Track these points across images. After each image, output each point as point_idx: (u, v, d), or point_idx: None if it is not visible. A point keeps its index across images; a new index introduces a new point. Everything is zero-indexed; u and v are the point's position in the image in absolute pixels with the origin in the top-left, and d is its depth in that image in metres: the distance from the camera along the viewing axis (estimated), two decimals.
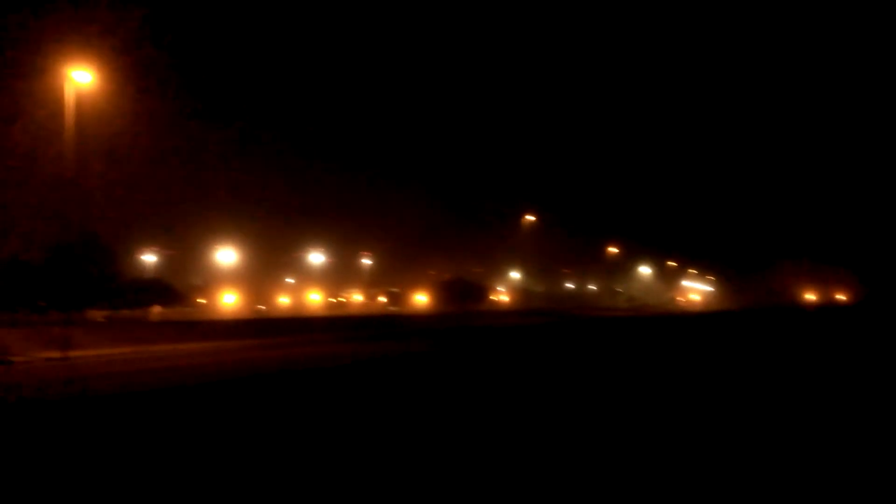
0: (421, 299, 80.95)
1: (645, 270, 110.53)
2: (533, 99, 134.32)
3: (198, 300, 70.00)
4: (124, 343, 32.72)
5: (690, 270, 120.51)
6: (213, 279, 74.17)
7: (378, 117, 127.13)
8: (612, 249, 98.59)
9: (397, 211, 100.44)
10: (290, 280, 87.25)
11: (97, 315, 45.17)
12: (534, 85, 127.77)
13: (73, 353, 26.03)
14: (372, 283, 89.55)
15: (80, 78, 28.31)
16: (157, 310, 56.54)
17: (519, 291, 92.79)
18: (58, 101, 28.22)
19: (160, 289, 55.43)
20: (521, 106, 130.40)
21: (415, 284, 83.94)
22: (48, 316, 38.66)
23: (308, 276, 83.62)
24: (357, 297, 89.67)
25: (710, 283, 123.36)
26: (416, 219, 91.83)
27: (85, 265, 38.06)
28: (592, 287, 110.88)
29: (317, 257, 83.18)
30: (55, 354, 25.85)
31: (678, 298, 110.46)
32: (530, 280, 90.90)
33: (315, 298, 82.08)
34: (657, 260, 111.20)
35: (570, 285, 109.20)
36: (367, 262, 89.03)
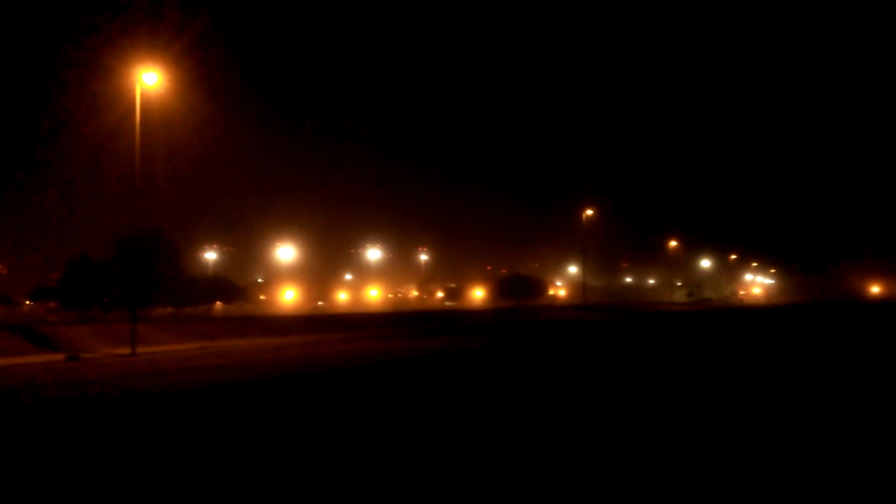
0: (478, 294, 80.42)
1: (706, 264, 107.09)
2: (593, 93, 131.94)
3: (258, 296, 71.36)
4: (189, 339, 33.30)
5: (753, 264, 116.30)
6: (273, 276, 75.58)
7: (436, 114, 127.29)
8: (673, 243, 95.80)
9: (455, 207, 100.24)
10: (348, 276, 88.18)
11: (162, 312, 46.31)
12: (594, 80, 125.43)
13: (140, 350, 26.51)
14: (429, 278, 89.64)
15: (147, 79, 28.75)
16: (219, 306, 57.79)
17: (577, 286, 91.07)
18: (127, 102, 28.72)
19: (222, 285, 56.61)
20: (582, 100, 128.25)
21: (472, 280, 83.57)
22: (115, 313, 39.83)
23: (366, 273, 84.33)
24: (414, 293, 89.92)
25: (772, 276, 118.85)
26: (474, 214, 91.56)
27: (150, 263, 38.93)
28: (652, 281, 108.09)
29: (375, 253, 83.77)
30: (124, 351, 26.37)
31: (740, 292, 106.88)
32: (589, 274, 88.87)
33: (373, 294, 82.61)
34: (718, 253, 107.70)
35: (629, 279, 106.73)
36: (424, 257, 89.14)
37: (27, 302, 56.60)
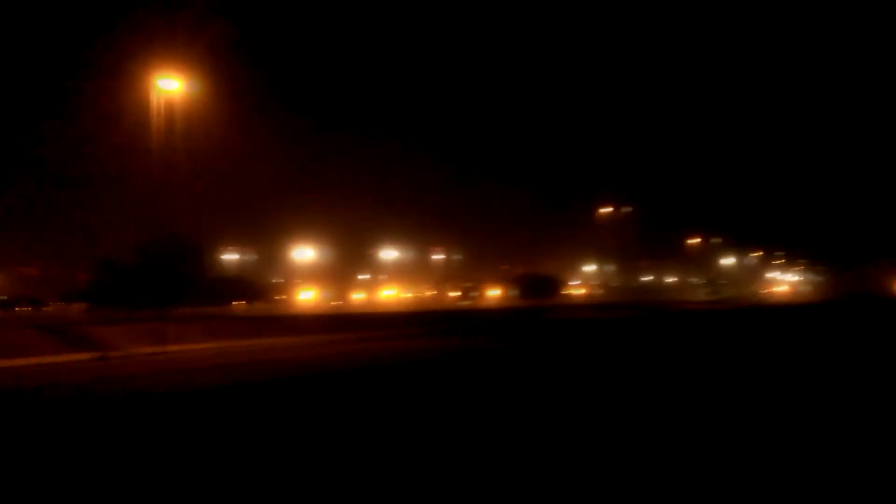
0: (494, 294, 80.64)
1: (728, 261, 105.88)
2: (608, 88, 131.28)
3: (277, 296, 72.33)
4: (212, 338, 34.11)
5: (776, 261, 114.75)
6: (291, 276, 76.54)
7: (453, 113, 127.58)
8: (693, 240, 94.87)
9: (471, 206, 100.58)
10: (364, 276, 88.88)
11: (186, 311, 47.33)
12: (608, 74, 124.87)
13: (167, 348, 27.36)
14: (445, 278, 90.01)
15: (167, 85, 29.58)
16: (239, 306, 58.76)
17: (594, 285, 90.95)
18: (148, 107, 29.60)
19: (242, 286, 57.63)
20: (596, 96, 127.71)
21: (488, 279, 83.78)
22: (141, 312, 40.87)
23: (382, 272, 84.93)
24: (430, 293, 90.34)
25: (798, 273, 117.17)
26: (490, 214, 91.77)
27: (173, 264, 39.92)
28: (673, 279, 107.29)
29: (390, 253, 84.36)
30: (151, 349, 27.24)
31: (763, 290, 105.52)
32: (606, 273, 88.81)
33: (389, 294, 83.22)
34: (741, 250, 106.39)
35: (647, 278, 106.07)
36: (439, 257, 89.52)
37: (57, 303, 58.07)
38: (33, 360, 24.38)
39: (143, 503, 5.80)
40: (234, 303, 57.00)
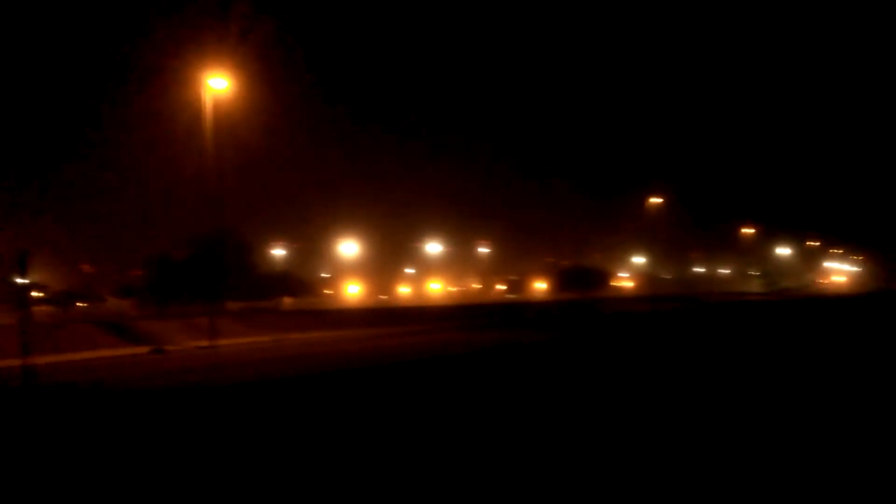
0: (540, 286, 79.93)
1: (783, 251, 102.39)
2: (655, 79, 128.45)
3: (324, 291, 73.24)
4: (261, 332, 34.69)
5: (834, 250, 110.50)
6: (337, 271, 77.39)
7: (497, 107, 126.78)
8: (747, 230, 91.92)
9: (516, 198, 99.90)
10: (410, 270, 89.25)
11: (235, 306, 48.31)
12: (655, 60, 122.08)
13: (219, 342, 27.89)
14: (491, 271, 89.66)
15: (216, 84, 29.95)
16: (287, 300, 59.67)
17: (644, 277, 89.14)
18: (198, 106, 29.99)
19: (290, 281, 58.51)
20: (644, 86, 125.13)
21: (534, 272, 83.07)
22: (193, 307, 41.87)
23: (428, 266, 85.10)
24: (476, 286, 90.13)
25: (856, 263, 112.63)
26: (536, 206, 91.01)
27: (222, 260, 40.73)
28: (724, 271, 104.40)
29: (435, 247, 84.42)
30: (204, 343, 27.80)
31: (820, 280, 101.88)
32: (656, 265, 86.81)
33: (435, 287, 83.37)
34: (797, 240, 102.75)
35: (699, 269, 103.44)
36: (484, 250, 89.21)
37: (111, 299, 60.10)
38: (94, 354, 25.13)
39: (202, 489, 5.81)
40: (282, 297, 57.90)
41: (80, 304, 54.68)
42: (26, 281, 16.46)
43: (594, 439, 7.21)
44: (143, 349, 26.80)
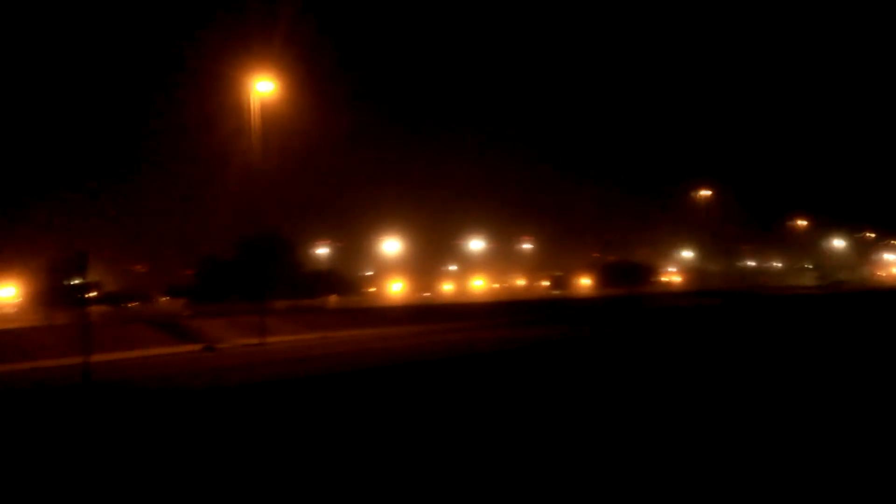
0: (584, 282, 78.91)
1: (837, 243, 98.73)
2: (701, 69, 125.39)
3: (368, 289, 73.88)
4: (308, 329, 35.26)
5: (893, 241, 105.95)
6: (381, 268, 77.99)
7: (539, 101, 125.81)
8: (800, 222, 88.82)
9: (560, 193, 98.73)
10: (453, 267, 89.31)
11: (282, 304, 49.15)
12: (701, 55, 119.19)
13: (267, 339, 28.42)
14: (535, 267, 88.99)
15: (263, 87, 30.48)
16: (332, 299, 60.39)
17: (692, 271, 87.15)
18: (244, 109, 30.56)
19: (334, 279, 59.17)
20: (690, 78, 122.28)
21: (578, 267, 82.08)
22: (241, 306, 42.77)
23: (471, 263, 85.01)
24: (519, 282, 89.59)
25: None
26: (580, 201, 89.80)
27: (269, 259, 41.47)
28: (777, 264, 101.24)
29: (478, 244, 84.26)
30: (252, 340, 28.38)
31: (877, 273, 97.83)
32: (705, 259, 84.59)
33: (477, 284, 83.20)
34: (852, 232, 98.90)
35: (750, 263, 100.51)
36: (528, 246, 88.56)
37: (163, 298, 61.85)
38: (149, 352, 25.95)
39: (261, 480, 5.92)
40: (326, 295, 58.65)
41: (132, 304, 56.41)
42: (85, 282, 17.03)
43: (614, 439, 7.12)
44: (195, 347, 27.52)
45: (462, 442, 7.12)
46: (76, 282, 17.91)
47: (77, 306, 26.28)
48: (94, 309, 42.66)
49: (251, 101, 30.09)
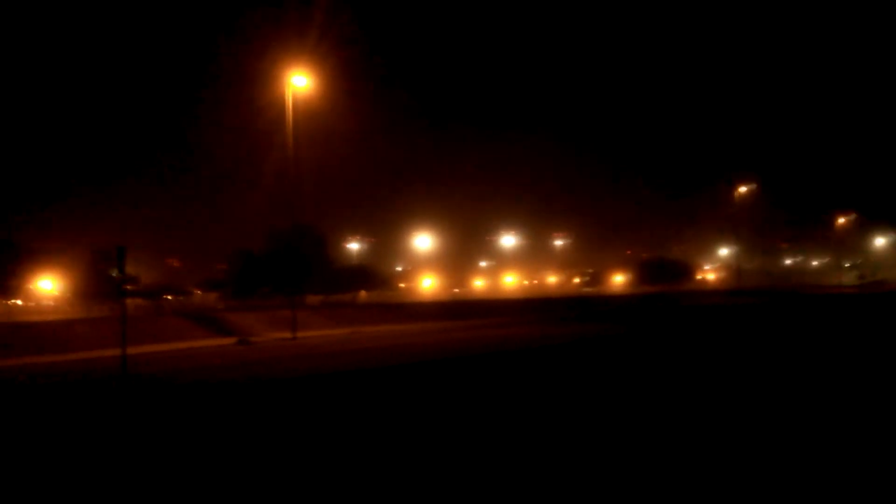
0: (618, 280, 77.76)
1: (880, 241, 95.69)
2: (739, 65, 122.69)
3: (399, 284, 74.00)
4: (339, 324, 35.41)
5: None
6: (412, 264, 78.06)
7: (573, 98, 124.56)
8: (841, 219, 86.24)
9: (594, 189, 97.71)
10: (484, 263, 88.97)
11: (314, 299, 49.45)
12: (749, 50, 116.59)
13: (299, 334, 28.58)
14: (567, 264, 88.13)
15: (298, 81, 30.46)
16: (363, 294, 60.61)
17: (729, 269, 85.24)
18: (280, 104, 30.61)
19: (365, 274, 59.35)
20: (727, 75, 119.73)
21: (612, 264, 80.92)
22: (274, 300, 43.16)
23: (503, 259, 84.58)
24: (552, 279, 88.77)
25: None
26: (614, 197, 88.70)
27: (301, 254, 41.71)
28: (816, 262, 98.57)
29: (510, 240, 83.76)
30: (285, 334, 28.59)
31: None
32: (742, 256, 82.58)
33: (509, 281, 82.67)
34: (893, 231, 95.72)
35: (789, 261, 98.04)
36: (561, 242, 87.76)
37: (197, 292, 62.77)
38: (185, 345, 26.31)
39: (295, 471, 5.87)
40: (357, 290, 58.85)
41: (168, 298, 57.39)
42: (122, 275, 17.21)
43: (650, 440, 6.89)
44: (230, 340, 27.81)
45: (492, 441, 7.01)
46: (114, 275, 18.08)
47: (115, 299, 26.73)
48: (133, 302, 43.53)
49: (287, 96, 30.13)
